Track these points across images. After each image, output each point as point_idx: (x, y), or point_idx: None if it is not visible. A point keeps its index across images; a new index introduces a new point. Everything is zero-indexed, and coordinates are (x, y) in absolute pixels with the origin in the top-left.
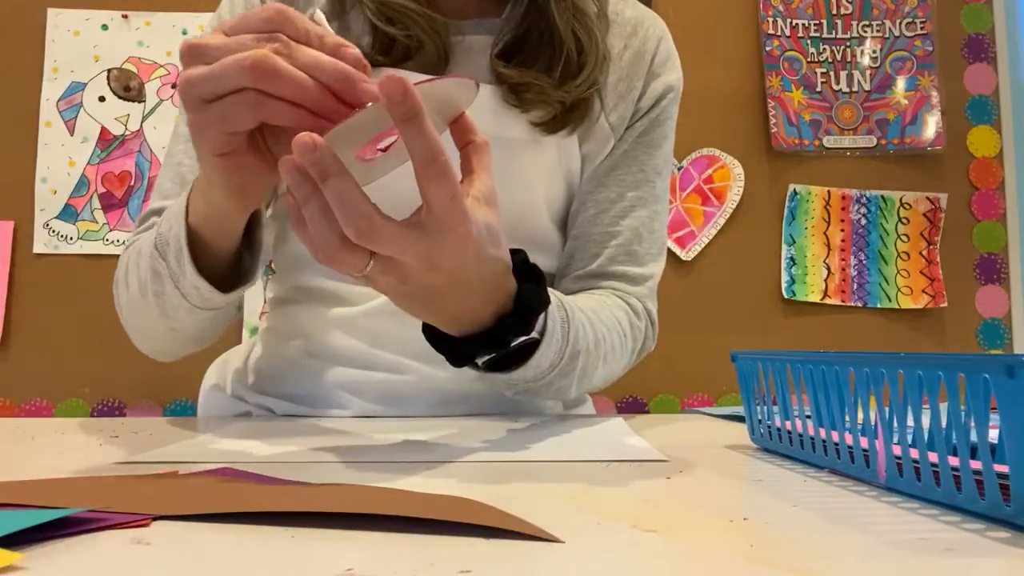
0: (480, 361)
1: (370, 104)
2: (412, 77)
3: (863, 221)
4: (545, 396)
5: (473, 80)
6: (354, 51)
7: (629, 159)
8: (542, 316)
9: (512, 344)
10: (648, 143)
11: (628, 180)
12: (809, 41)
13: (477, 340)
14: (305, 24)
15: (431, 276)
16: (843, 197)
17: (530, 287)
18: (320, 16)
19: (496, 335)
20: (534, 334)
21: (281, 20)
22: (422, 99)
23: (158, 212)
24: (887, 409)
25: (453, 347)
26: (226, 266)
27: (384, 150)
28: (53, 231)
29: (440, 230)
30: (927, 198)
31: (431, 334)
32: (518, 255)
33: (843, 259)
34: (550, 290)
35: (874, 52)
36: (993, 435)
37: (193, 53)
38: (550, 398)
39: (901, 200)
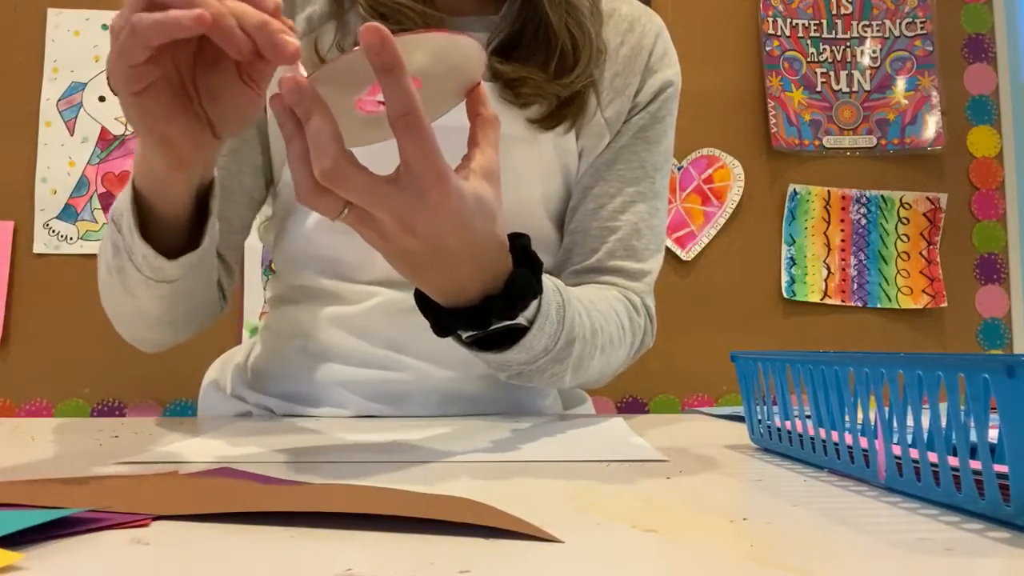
0: (464, 336)
1: (357, 48)
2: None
3: (863, 221)
4: (539, 382)
5: (467, 36)
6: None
7: (629, 154)
8: (534, 303)
9: (492, 327)
10: (647, 139)
11: (627, 175)
12: (809, 41)
13: (461, 314)
14: None
15: (407, 238)
16: (843, 197)
17: (524, 272)
18: None
19: (480, 314)
20: (521, 320)
21: None
22: (405, 50)
23: None
24: (887, 409)
25: (438, 316)
26: (177, 238)
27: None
28: (53, 231)
29: (415, 190)
30: (927, 198)
31: (422, 300)
32: (521, 239)
33: (843, 259)
34: (547, 276)
35: (874, 52)
36: (993, 435)
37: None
38: (544, 384)
39: (901, 200)
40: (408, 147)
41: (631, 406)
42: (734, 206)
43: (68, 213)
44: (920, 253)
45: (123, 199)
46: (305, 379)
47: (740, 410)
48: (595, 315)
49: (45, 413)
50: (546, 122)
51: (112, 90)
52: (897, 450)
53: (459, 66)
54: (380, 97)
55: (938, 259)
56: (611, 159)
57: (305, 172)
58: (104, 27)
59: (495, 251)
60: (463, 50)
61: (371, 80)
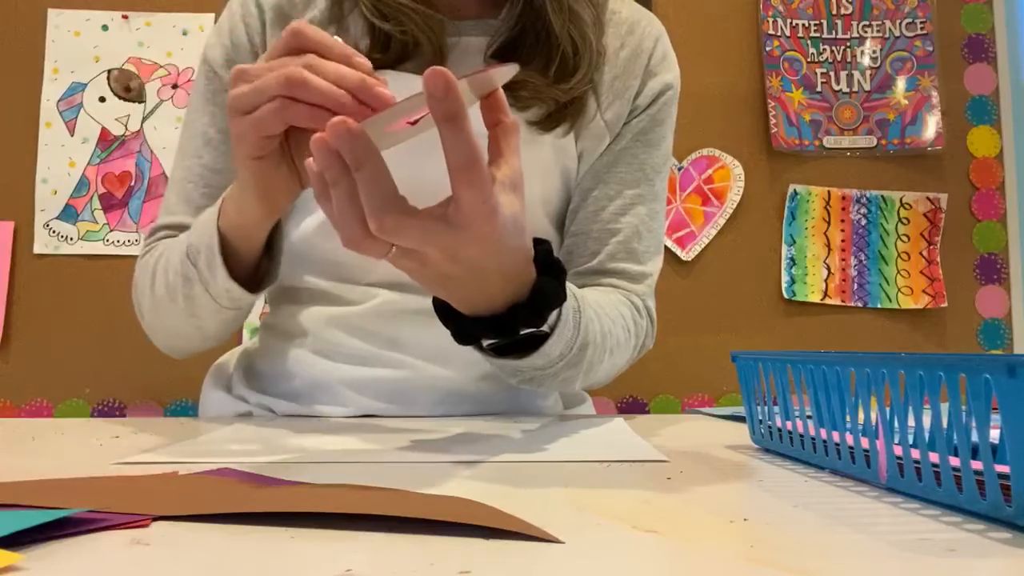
0: (485, 344)
1: (415, 95)
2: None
3: (863, 221)
4: (550, 386)
5: (515, 66)
6: (364, 60)
7: (629, 157)
8: (556, 310)
9: (520, 333)
10: (647, 141)
11: (627, 178)
12: (809, 41)
13: (486, 323)
14: (319, 35)
15: (451, 266)
16: (843, 197)
17: (549, 280)
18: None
19: (506, 322)
20: (544, 327)
21: (301, 35)
22: (464, 93)
23: (167, 227)
24: (888, 409)
25: (461, 325)
26: (249, 270)
27: (413, 123)
28: (53, 231)
29: (466, 227)
30: (927, 198)
31: (441, 308)
32: (542, 245)
33: (843, 259)
34: None
35: (874, 52)
36: (994, 435)
37: (239, 76)
38: (555, 388)
39: (901, 200)
40: (468, 195)
41: (631, 406)
42: (734, 206)
43: (68, 213)
44: (920, 253)
45: (200, 239)
46: (306, 378)
47: (740, 410)
48: (604, 319)
49: (45, 413)
50: (545, 124)
51: (236, 162)
52: (898, 450)
53: (490, 83)
54: (410, 118)
55: (938, 259)
56: (611, 161)
57: (352, 218)
58: (104, 28)
59: (523, 263)
60: (503, 76)
61: (413, 113)
